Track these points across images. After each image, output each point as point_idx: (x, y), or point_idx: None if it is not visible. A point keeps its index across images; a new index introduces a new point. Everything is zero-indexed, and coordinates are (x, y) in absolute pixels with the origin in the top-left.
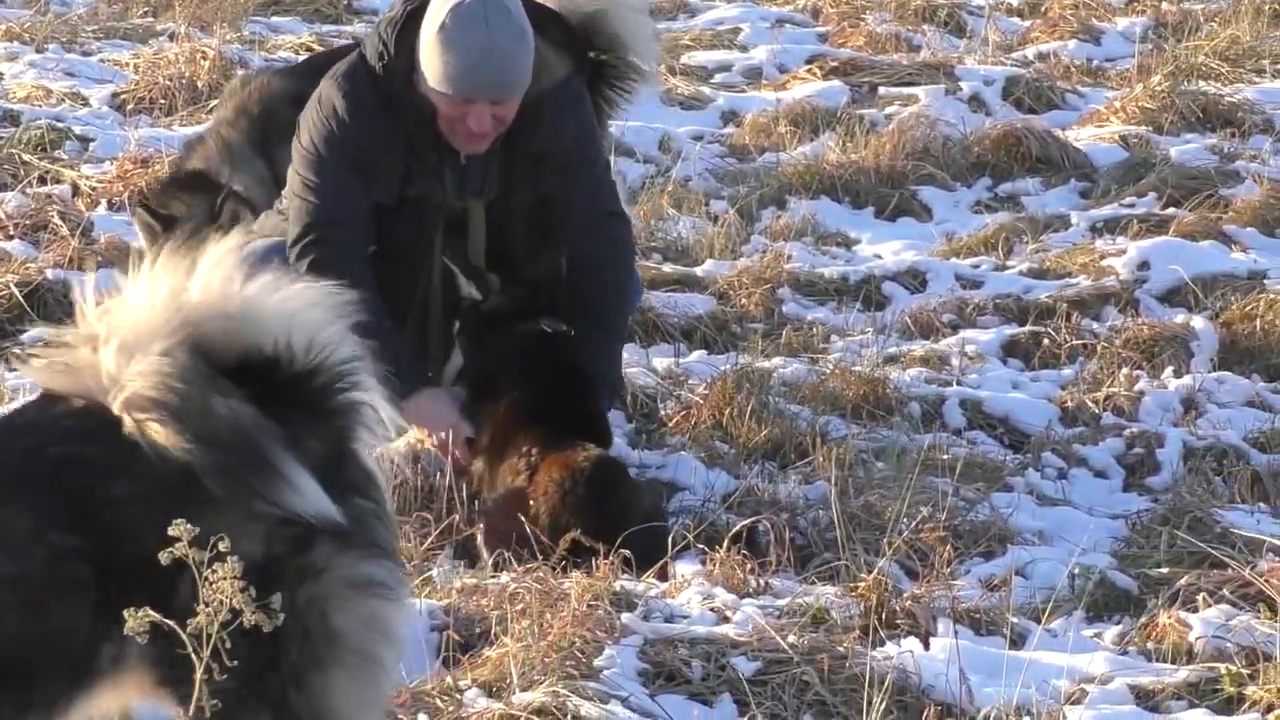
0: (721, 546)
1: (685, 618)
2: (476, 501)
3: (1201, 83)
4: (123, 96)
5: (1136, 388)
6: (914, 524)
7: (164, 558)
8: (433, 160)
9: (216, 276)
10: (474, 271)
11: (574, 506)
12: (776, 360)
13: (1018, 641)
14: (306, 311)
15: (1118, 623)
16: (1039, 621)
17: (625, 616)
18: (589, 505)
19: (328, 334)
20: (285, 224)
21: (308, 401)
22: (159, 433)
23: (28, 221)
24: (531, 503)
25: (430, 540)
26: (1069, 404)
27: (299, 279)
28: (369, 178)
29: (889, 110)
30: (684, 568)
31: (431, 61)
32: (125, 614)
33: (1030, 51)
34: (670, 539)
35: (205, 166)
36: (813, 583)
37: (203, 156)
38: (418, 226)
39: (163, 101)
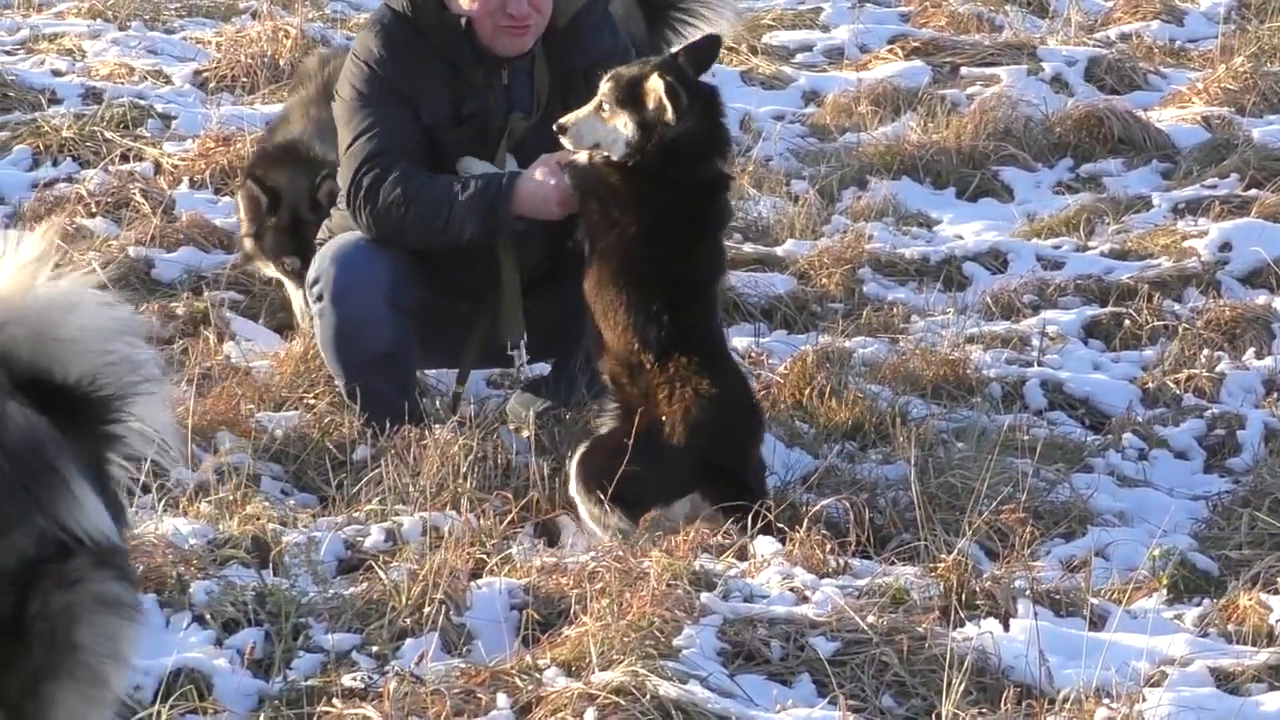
0: (801, 526)
1: (764, 597)
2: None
3: None
4: (205, 74)
5: (1218, 369)
6: (994, 505)
7: None
8: (478, 76)
9: (21, 274)
10: None
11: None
12: (857, 340)
13: (1097, 623)
14: (94, 323)
15: (1198, 604)
16: (1119, 603)
17: (704, 596)
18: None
19: (111, 350)
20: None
21: (82, 417)
22: None
23: (110, 199)
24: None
25: (510, 518)
26: (1150, 385)
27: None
28: (416, 106)
29: (970, 90)
30: (764, 547)
31: None
32: None
33: (1113, 32)
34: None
35: (295, 142)
36: (892, 563)
37: (289, 134)
38: (479, 144)
39: (244, 80)
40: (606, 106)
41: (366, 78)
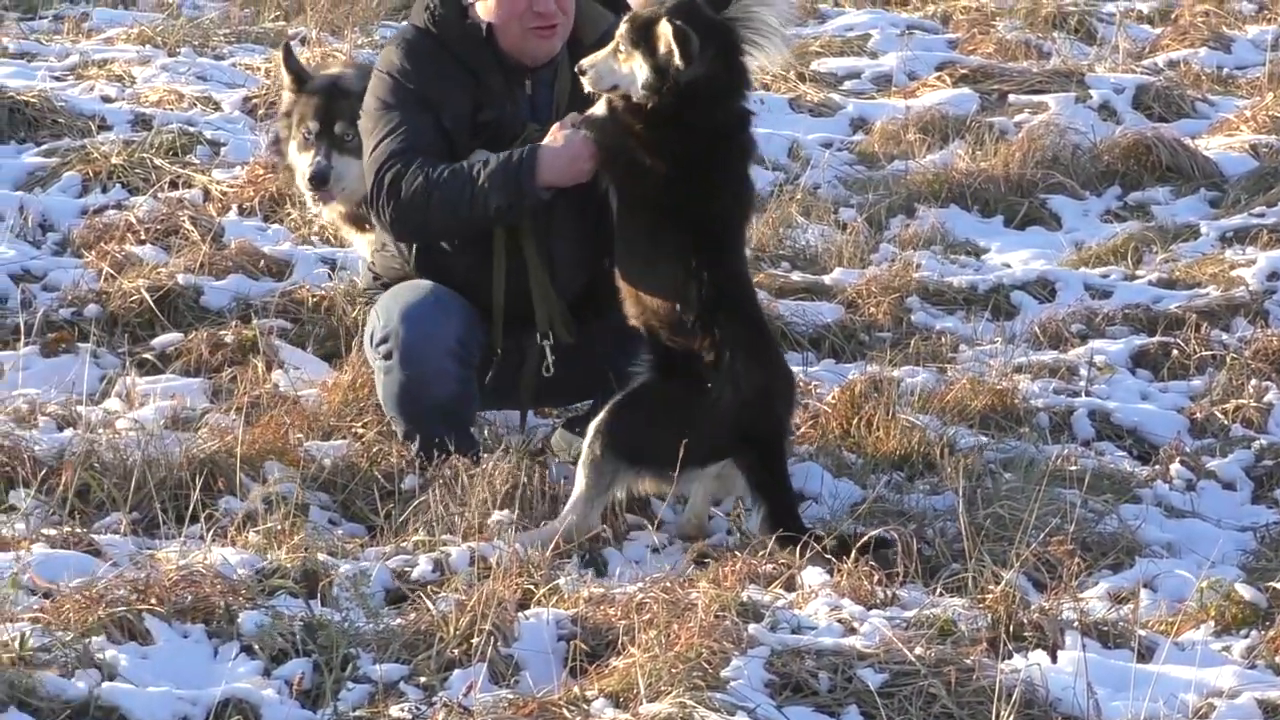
0: (849, 557)
1: (812, 629)
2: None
3: None
4: (254, 101)
5: (1266, 399)
6: (1042, 536)
7: None
8: (499, 83)
9: None
10: None
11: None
12: (904, 369)
13: (1145, 655)
14: None
15: (1246, 636)
16: (1167, 635)
17: (752, 627)
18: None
19: None
20: (397, 260)
21: None
22: None
23: (159, 226)
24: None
25: (557, 548)
26: (1198, 415)
27: None
28: (438, 111)
29: (1019, 118)
30: (812, 578)
31: None
32: None
33: (1161, 59)
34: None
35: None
36: (940, 594)
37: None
38: (496, 152)
39: None
40: (622, 48)
41: (390, 87)
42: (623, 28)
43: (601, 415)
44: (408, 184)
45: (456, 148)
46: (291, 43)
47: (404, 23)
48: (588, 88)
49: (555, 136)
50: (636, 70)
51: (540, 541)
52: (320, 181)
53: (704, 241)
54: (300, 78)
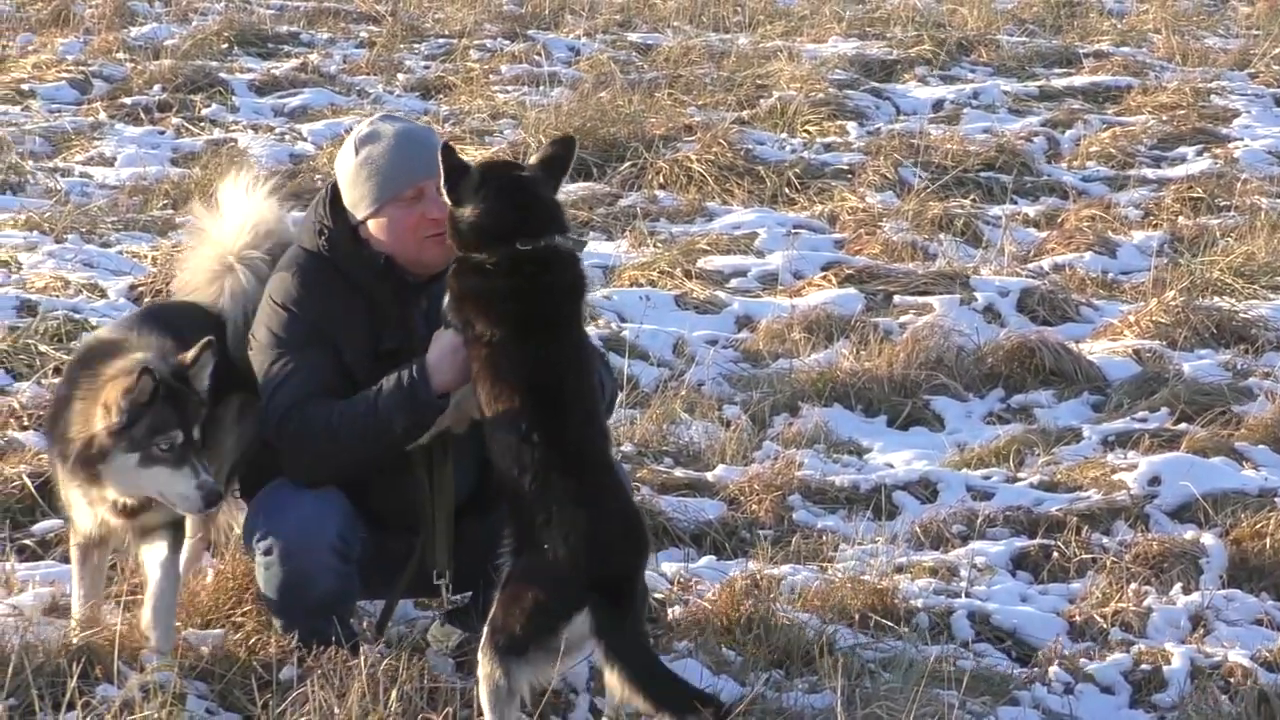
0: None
1: None
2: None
3: (1216, 298)
4: (140, 288)
5: (1145, 603)
6: None
7: None
8: (396, 312)
9: None
10: None
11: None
12: (785, 567)
13: None
14: None
15: None
16: None
17: None
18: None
19: None
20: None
21: None
22: None
23: (42, 412)
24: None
25: None
26: (1077, 618)
27: None
28: (336, 345)
29: (903, 319)
30: None
31: (365, 186)
32: None
33: (1046, 263)
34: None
35: None
36: None
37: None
38: None
39: None
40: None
41: (284, 321)
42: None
43: (484, 630)
44: (310, 433)
45: (359, 380)
46: None
47: (293, 248)
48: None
49: (433, 345)
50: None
51: None
52: (215, 500)
53: (538, 401)
54: None
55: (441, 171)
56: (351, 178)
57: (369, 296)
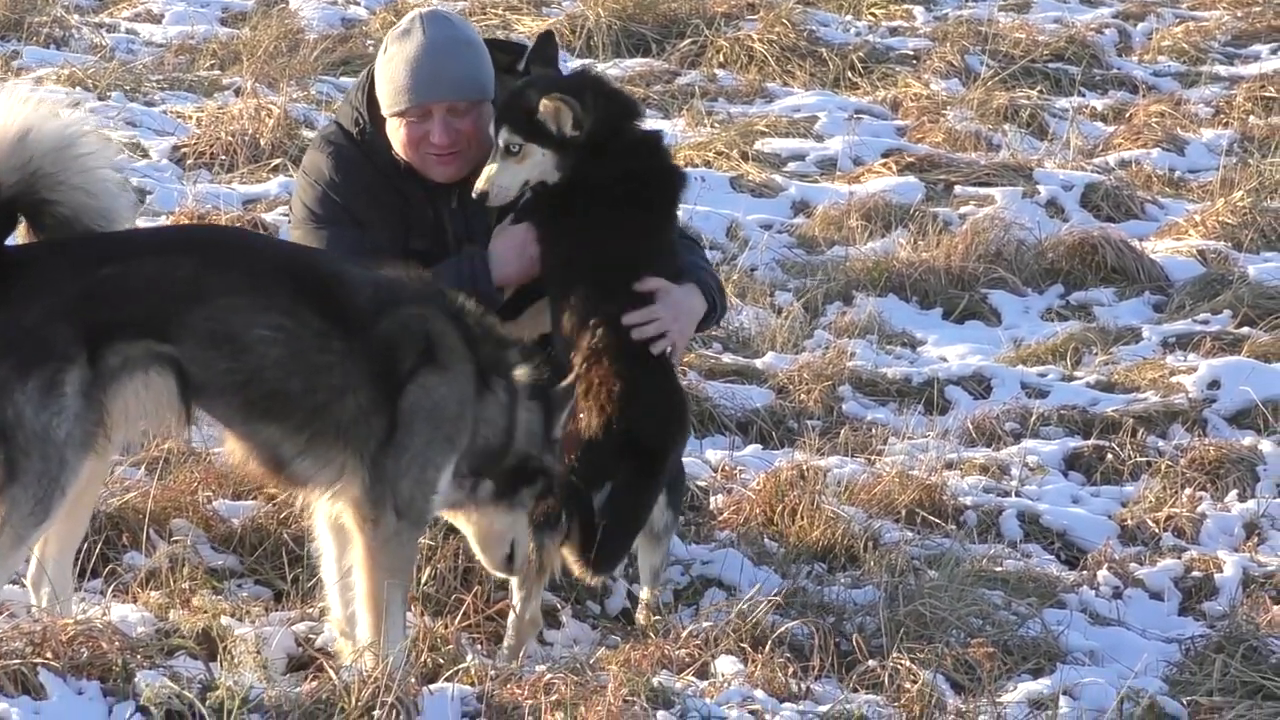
0: (764, 647)
1: (723, 719)
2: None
3: None
4: (183, 150)
5: (1199, 509)
6: (963, 636)
7: None
8: (429, 214)
9: None
10: None
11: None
12: (832, 459)
13: None
14: None
15: None
16: None
17: (661, 715)
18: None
19: None
20: None
21: None
22: None
23: None
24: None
25: (464, 620)
26: (1129, 522)
27: None
28: (369, 230)
29: (963, 210)
30: (725, 666)
31: (384, 89)
32: None
33: (1112, 158)
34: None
35: None
36: (856, 690)
37: None
38: None
39: (224, 158)
40: (516, 148)
41: (319, 197)
42: (503, 132)
43: None
44: None
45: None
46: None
47: (330, 120)
48: (496, 204)
49: (498, 238)
50: (541, 159)
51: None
52: None
53: (601, 291)
54: None
55: (554, 110)
56: (378, 74)
57: (398, 190)
